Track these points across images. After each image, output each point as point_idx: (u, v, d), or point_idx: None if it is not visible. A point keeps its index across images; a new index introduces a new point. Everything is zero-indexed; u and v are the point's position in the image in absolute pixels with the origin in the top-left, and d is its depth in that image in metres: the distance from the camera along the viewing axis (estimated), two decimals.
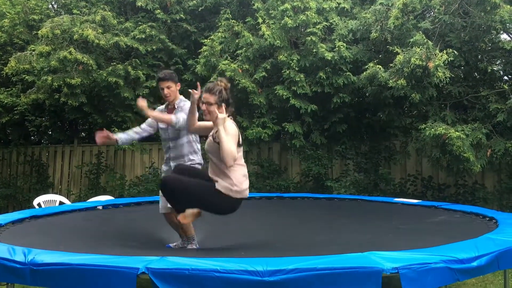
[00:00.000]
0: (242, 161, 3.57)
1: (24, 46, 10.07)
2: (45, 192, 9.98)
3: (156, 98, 9.04)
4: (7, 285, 2.73)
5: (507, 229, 3.54)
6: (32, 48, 9.25)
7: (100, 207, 5.74)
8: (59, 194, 9.18)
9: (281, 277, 2.43)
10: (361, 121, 8.63)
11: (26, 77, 9.47)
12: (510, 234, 3.29)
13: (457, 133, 6.42)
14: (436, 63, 6.48)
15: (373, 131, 8.61)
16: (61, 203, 7.34)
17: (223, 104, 3.64)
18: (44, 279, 2.60)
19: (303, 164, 8.42)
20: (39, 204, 7.04)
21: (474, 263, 2.69)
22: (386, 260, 2.56)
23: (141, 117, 9.61)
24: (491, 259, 2.80)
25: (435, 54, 6.60)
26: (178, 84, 4.33)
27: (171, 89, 4.24)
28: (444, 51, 6.69)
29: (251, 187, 8.09)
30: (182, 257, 2.63)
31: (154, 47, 9.47)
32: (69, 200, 8.78)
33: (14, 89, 10.17)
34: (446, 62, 6.68)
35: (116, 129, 9.16)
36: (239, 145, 3.52)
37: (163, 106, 4.45)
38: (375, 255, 2.64)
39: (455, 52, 6.84)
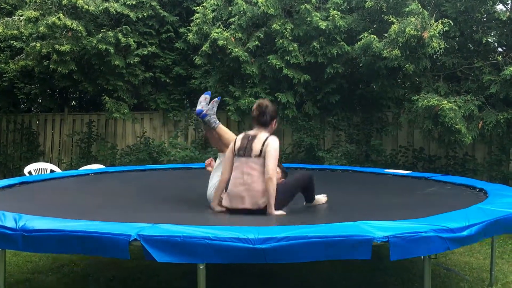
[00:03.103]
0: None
1: (12, 11, 9.83)
2: (36, 160, 9.93)
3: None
4: None
5: (497, 200, 3.59)
6: (20, 14, 9.03)
7: (92, 174, 5.72)
8: (50, 163, 9.14)
9: (272, 245, 2.44)
10: (354, 92, 8.60)
11: (14, 43, 9.29)
12: (499, 204, 3.33)
13: (449, 104, 6.42)
14: (431, 33, 6.42)
15: (365, 102, 8.59)
16: (52, 171, 7.31)
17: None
18: (36, 245, 2.60)
19: (295, 135, 8.41)
20: (30, 172, 7.01)
21: (465, 232, 2.72)
22: (377, 229, 2.58)
23: (132, 86, 9.54)
24: (481, 228, 2.83)
25: (430, 24, 6.54)
26: None
27: None
28: (440, 21, 6.62)
29: None
30: (174, 225, 2.63)
31: (145, 14, 9.29)
32: (60, 169, 8.75)
33: (2, 55, 9.98)
34: (441, 32, 6.62)
35: (107, 98, 9.09)
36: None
37: None
38: (366, 224, 2.66)
39: (451, 22, 6.77)
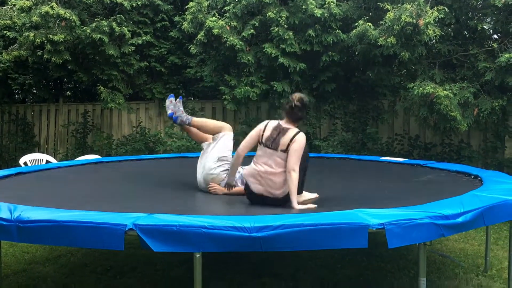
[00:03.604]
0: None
1: (5, 0, 9.72)
2: (31, 151, 9.92)
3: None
4: None
5: (492, 186, 3.59)
6: (13, 3, 8.95)
7: (88, 165, 5.70)
8: (46, 153, 9.11)
9: (268, 233, 2.45)
10: (350, 80, 8.58)
11: (8, 33, 9.22)
12: (494, 191, 3.34)
13: (445, 92, 6.43)
14: (427, 21, 6.40)
15: (361, 91, 8.58)
16: (47, 162, 7.29)
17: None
18: (31, 236, 2.59)
19: None
20: (25, 163, 6.99)
21: (459, 219, 2.73)
22: (372, 216, 2.58)
23: (127, 76, 9.49)
24: (476, 215, 2.84)
25: (426, 11, 6.51)
26: None
27: None
28: (435, 8, 6.60)
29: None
30: (169, 214, 2.62)
31: (139, 3, 9.22)
32: (56, 159, 8.74)
33: None
34: (437, 19, 6.60)
35: (102, 88, 9.04)
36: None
37: None
38: (362, 212, 2.67)
39: (446, 9, 6.75)
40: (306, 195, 3.70)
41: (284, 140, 3.50)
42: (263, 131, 3.62)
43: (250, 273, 4.09)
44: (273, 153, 3.52)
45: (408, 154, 8.02)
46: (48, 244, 2.81)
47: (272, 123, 3.64)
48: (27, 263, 4.47)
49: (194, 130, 4.51)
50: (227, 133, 4.33)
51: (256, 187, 3.56)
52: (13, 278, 3.99)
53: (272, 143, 3.54)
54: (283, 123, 3.61)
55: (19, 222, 2.58)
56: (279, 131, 3.55)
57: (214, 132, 4.37)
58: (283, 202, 3.50)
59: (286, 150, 3.48)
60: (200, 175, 4.27)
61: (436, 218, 2.66)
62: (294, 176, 3.43)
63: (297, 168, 3.46)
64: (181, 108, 4.43)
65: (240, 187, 3.94)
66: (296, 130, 3.57)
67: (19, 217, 2.60)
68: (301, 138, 3.52)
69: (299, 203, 3.49)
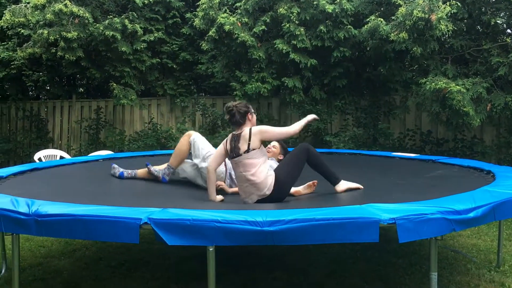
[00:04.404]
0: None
1: None
2: (45, 147, 10.05)
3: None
4: (12, 235, 2.79)
5: (504, 182, 3.57)
6: (27, 1, 9.05)
7: (101, 160, 5.78)
8: (59, 149, 9.24)
9: (280, 227, 2.47)
10: (361, 76, 8.57)
11: (22, 31, 9.32)
12: (506, 187, 3.33)
13: (457, 87, 6.39)
14: (439, 16, 6.36)
15: (373, 86, 8.56)
16: (61, 157, 7.39)
17: None
18: (48, 230, 2.64)
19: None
20: (39, 159, 7.09)
21: (471, 214, 2.73)
22: (384, 211, 2.59)
23: (139, 72, 9.56)
24: (488, 210, 2.84)
25: (438, 6, 6.48)
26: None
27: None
28: (448, 3, 6.56)
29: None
30: (183, 209, 2.67)
31: (151, 0, 9.27)
32: (70, 155, 8.84)
33: (10, 43, 10.03)
34: (449, 14, 6.56)
35: (114, 84, 9.12)
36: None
37: None
38: (373, 206, 2.68)
39: (458, 4, 6.70)
40: (348, 184, 3.84)
41: (242, 144, 3.64)
42: (226, 146, 3.77)
43: (261, 267, 4.13)
44: (240, 159, 3.64)
45: (420, 150, 7.99)
46: (65, 237, 2.86)
47: (230, 136, 3.81)
48: (43, 256, 4.54)
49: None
50: (191, 140, 4.43)
51: (250, 198, 3.65)
52: (29, 272, 4.07)
53: (234, 152, 3.68)
54: (236, 132, 3.76)
55: (37, 216, 2.64)
56: (236, 138, 3.70)
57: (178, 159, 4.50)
58: (278, 195, 3.62)
59: (248, 150, 3.61)
60: (200, 181, 4.39)
61: (448, 213, 2.66)
62: (294, 128, 3.74)
63: (294, 127, 3.76)
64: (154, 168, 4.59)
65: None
66: (248, 127, 3.72)
67: (37, 211, 2.65)
68: (256, 127, 3.72)
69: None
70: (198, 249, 2.57)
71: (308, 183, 3.92)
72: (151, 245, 4.65)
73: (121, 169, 4.61)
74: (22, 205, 2.75)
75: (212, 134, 8.91)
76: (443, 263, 4.21)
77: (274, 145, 4.75)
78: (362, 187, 3.87)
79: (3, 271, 4.01)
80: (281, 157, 4.66)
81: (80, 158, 5.91)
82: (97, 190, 3.99)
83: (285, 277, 3.87)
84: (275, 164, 4.17)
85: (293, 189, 3.86)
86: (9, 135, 11.16)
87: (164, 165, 4.54)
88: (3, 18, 8.86)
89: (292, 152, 3.92)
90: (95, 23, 8.78)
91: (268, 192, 3.61)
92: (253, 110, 3.88)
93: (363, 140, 8.04)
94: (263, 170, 3.62)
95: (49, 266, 4.26)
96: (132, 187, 4.33)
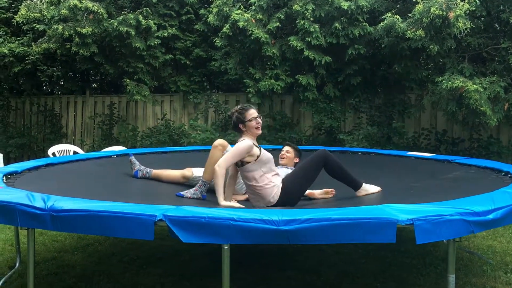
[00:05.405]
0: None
1: None
2: (59, 142, 10.13)
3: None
4: (28, 229, 2.80)
5: None
6: None
7: (115, 156, 5.79)
8: (73, 144, 9.29)
9: (296, 227, 2.45)
10: (376, 74, 8.48)
11: (37, 26, 9.39)
12: None
13: (474, 86, 6.30)
14: (457, 13, 6.28)
15: (387, 84, 8.48)
16: (75, 152, 7.43)
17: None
18: (64, 225, 2.65)
19: (316, 117, 8.36)
20: (53, 154, 7.14)
21: (490, 216, 2.68)
22: (401, 212, 2.55)
23: (152, 68, 9.58)
24: (507, 212, 2.78)
25: (456, 4, 6.39)
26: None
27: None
28: (466, 0, 6.46)
29: (263, 139, 8.10)
30: (198, 207, 2.66)
31: None
32: (83, 150, 8.90)
33: (25, 38, 10.11)
34: (467, 12, 6.46)
35: (127, 80, 9.15)
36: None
37: None
38: (390, 207, 2.64)
39: (477, 1, 6.60)
40: (369, 188, 3.78)
41: None
42: None
43: (273, 266, 4.11)
44: (240, 170, 3.68)
45: (435, 149, 7.90)
46: (80, 232, 2.87)
47: None
48: (57, 251, 4.57)
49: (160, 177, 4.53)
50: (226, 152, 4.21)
51: (258, 206, 3.64)
52: (43, 266, 4.10)
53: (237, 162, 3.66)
54: (239, 140, 3.74)
55: (52, 212, 2.64)
56: None
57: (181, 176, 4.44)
58: (285, 204, 3.59)
59: (243, 162, 3.60)
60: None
61: (467, 214, 2.61)
62: (217, 171, 3.47)
63: (223, 164, 3.50)
64: (137, 162, 4.57)
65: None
66: (243, 138, 3.68)
67: (52, 207, 2.66)
68: (239, 142, 3.63)
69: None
70: (210, 246, 2.56)
71: (325, 189, 3.86)
72: (164, 242, 4.65)
73: (136, 168, 4.57)
74: (38, 200, 2.76)
75: (225, 131, 8.90)
76: (458, 264, 4.15)
77: (288, 150, 4.58)
78: (380, 189, 3.82)
79: (17, 265, 4.04)
80: (297, 160, 4.57)
81: (94, 154, 5.93)
82: (111, 187, 3.99)
83: (299, 276, 3.84)
84: (290, 171, 4.11)
85: (308, 191, 3.82)
86: (23, 130, 11.26)
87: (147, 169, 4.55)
88: (18, 13, 8.93)
89: (308, 159, 3.80)
90: (109, 19, 8.81)
91: (272, 200, 3.59)
92: (251, 117, 3.68)
93: (377, 139, 7.97)
94: (264, 180, 3.59)
95: (62, 260, 4.28)
96: (146, 184, 4.33)
